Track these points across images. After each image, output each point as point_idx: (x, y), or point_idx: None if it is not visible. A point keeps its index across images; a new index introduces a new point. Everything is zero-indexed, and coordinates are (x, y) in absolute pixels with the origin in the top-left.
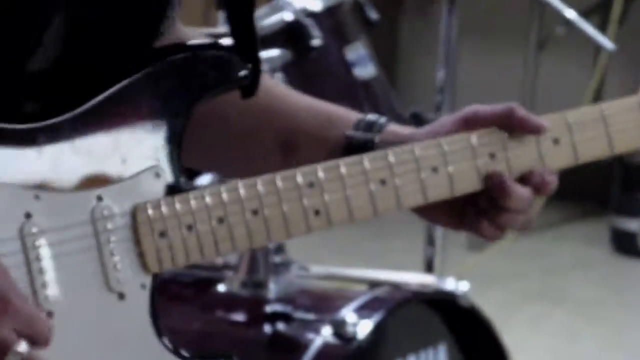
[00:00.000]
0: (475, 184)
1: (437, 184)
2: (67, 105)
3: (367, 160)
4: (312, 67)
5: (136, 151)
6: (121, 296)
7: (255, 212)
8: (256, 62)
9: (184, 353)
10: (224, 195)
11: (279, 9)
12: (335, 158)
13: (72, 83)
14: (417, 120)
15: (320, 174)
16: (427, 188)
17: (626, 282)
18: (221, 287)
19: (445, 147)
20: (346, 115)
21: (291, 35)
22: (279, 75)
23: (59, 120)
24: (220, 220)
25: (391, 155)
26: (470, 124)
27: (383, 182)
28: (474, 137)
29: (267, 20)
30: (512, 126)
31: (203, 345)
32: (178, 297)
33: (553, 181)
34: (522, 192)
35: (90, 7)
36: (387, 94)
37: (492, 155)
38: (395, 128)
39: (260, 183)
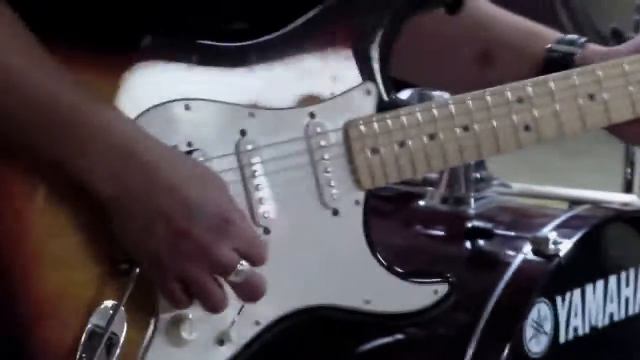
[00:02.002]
0: None
1: None
2: (275, 24)
3: (575, 75)
4: None
5: (346, 68)
6: (335, 212)
7: (465, 128)
8: None
9: (398, 269)
10: (435, 112)
11: None
12: (534, 72)
13: (279, 1)
14: (618, 36)
15: (529, 90)
16: (637, 102)
17: None
18: (421, 202)
19: None
20: (547, 32)
21: None
22: None
23: (269, 38)
24: (432, 137)
25: (599, 69)
26: None
27: (592, 96)
28: None
29: None
30: None
31: (404, 260)
32: (378, 212)
33: None
34: None
35: None
36: (586, 9)
37: None
38: (594, 46)
39: (470, 99)
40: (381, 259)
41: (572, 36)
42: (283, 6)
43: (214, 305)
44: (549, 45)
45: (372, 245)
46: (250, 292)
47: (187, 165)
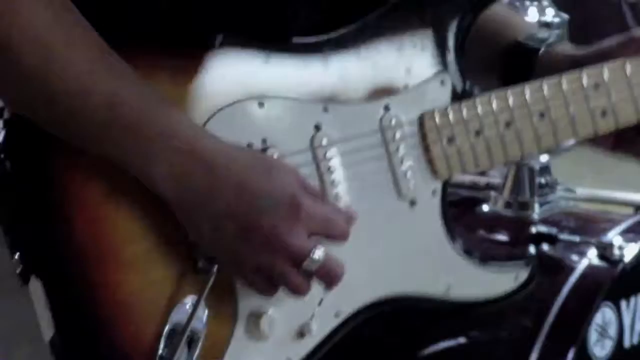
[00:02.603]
0: None
1: None
2: (348, 17)
3: None
4: None
5: (420, 60)
6: (413, 203)
7: (542, 115)
8: None
9: (476, 254)
10: (510, 100)
11: None
12: (499, 62)
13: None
14: None
15: (606, 75)
16: None
17: None
18: (485, 207)
19: None
20: (522, 25)
21: None
22: None
23: (343, 32)
24: (508, 125)
25: None
26: (627, 48)
27: None
28: None
29: None
30: None
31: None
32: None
33: None
34: None
35: None
36: None
37: None
38: (563, 46)
39: (546, 85)
40: (460, 247)
41: (544, 34)
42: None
43: (295, 291)
44: (519, 39)
45: (451, 234)
46: (328, 277)
47: (249, 158)
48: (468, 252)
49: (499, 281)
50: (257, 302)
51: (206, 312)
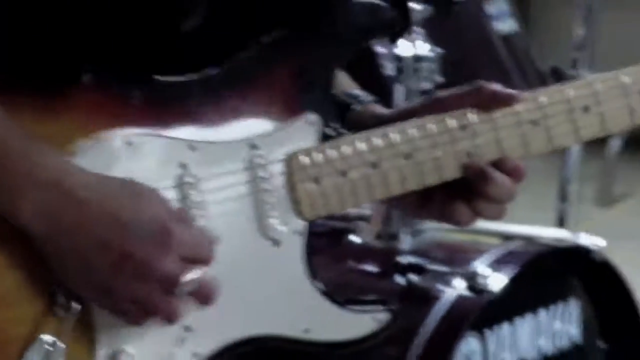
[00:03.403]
0: (628, 122)
1: (589, 124)
2: (215, 60)
3: (625, 75)
4: (453, 22)
5: (288, 100)
6: (276, 242)
7: (408, 156)
8: (405, 10)
9: (337, 298)
10: (377, 141)
11: None
12: None
13: (219, 41)
14: (557, 75)
15: (472, 116)
16: (580, 129)
17: None
18: (355, 238)
19: (598, 86)
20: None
21: None
22: (420, 30)
23: (211, 72)
24: (374, 166)
25: (543, 96)
26: (437, 106)
27: (535, 123)
28: (625, 77)
29: None
30: (484, 102)
31: (338, 294)
32: (311, 248)
33: (522, 168)
34: (503, 179)
35: None
36: (527, 49)
37: None
38: (374, 106)
39: (412, 127)
40: (321, 288)
41: (358, 92)
42: (225, 41)
43: (167, 317)
44: (332, 92)
45: (312, 274)
46: (202, 297)
47: (118, 188)
48: (329, 294)
49: (359, 323)
50: (116, 340)
51: (66, 351)
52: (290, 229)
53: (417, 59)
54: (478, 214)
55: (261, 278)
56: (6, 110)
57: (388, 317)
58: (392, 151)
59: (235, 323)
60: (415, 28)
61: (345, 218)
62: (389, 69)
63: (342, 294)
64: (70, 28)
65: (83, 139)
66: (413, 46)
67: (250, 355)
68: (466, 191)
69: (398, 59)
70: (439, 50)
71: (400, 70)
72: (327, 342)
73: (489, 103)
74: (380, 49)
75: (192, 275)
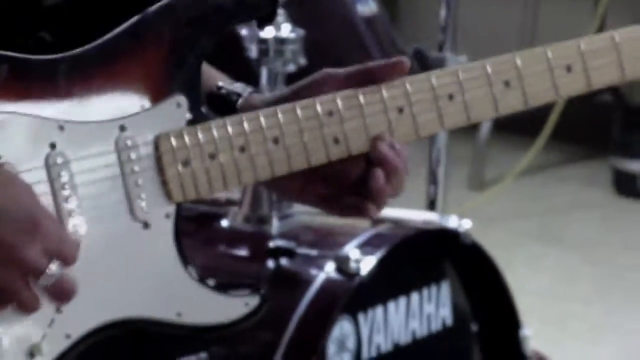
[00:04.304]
0: (491, 112)
1: (453, 111)
2: (83, 38)
3: (384, 89)
4: (314, 5)
5: (157, 82)
6: (146, 225)
7: (276, 141)
8: None
9: (209, 282)
10: (245, 125)
11: None
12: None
13: (86, 16)
14: (420, 56)
15: (339, 103)
16: (444, 116)
17: (627, 223)
18: (224, 222)
19: (462, 75)
20: (220, 77)
21: None
22: (282, 12)
23: (80, 51)
24: (242, 150)
25: (408, 83)
26: (322, 85)
27: (401, 110)
28: (488, 66)
29: None
30: (375, 77)
31: (209, 279)
32: (181, 232)
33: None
34: (376, 172)
35: None
36: (389, 30)
37: (506, 84)
38: (258, 95)
39: (280, 112)
40: (192, 272)
41: (240, 85)
42: (90, 21)
43: (25, 307)
44: (219, 83)
45: (183, 258)
46: (60, 294)
47: None
48: (200, 278)
49: (230, 307)
50: None
51: None
52: (159, 212)
53: (280, 41)
54: (371, 200)
55: (132, 260)
56: None
57: (259, 301)
58: (260, 135)
59: (107, 305)
60: (278, 10)
61: (215, 202)
62: (253, 51)
63: (213, 278)
64: None
65: None
66: (276, 28)
67: (124, 337)
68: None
69: (261, 41)
70: (301, 32)
71: (263, 53)
72: (200, 326)
73: (382, 75)
74: (243, 31)
75: (53, 270)
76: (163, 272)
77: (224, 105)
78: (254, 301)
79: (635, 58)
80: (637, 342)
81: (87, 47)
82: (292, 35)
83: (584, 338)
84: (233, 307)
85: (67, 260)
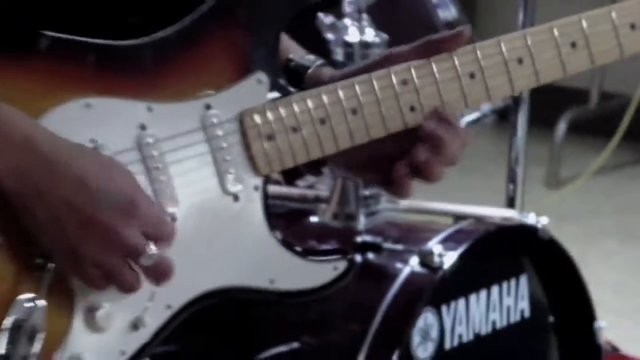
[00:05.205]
0: (559, 73)
1: (523, 75)
2: (168, 20)
3: (455, 56)
4: (397, 9)
5: (238, 60)
6: (236, 198)
7: (354, 112)
8: None
9: (297, 247)
10: (324, 97)
11: None
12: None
13: (168, 2)
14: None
15: (413, 72)
16: (514, 80)
17: None
18: (313, 219)
19: (529, 39)
20: (294, 48)
21: None
22: (365, 17)
23: (166, 33)
24: (322, 122)
25: (479, 50)
26: (389, 61)
27: (472, 75)
28: (555, 29)
29: None
30: (439, 48)
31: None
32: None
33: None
34: (443, 131)
35: None
36: (470, 37)
37: (573, 45)
38: (327, 68)
39: (357, 84)
40: (280, 237)
41: (311, 57)
42: (179, 5)
43: (127, 287)
44: (290, 56)
45: (273, 227)
46: (159, 274)
47: (88, 155)
48: (289, 245)
49: (320, 272)
50: (93, 296)
51: (44, 307)
52: (248, 184)
53: (365, 44)
54: (419, 174)
55: (224, 232)
56: None
57: (347, 265)
58: (339, 107)
59: (204, 276)
60: (362, 14)
61: (304, 199)
62: (339, 54)
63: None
64: None
65: (43, 103)
66: (360, 32)
67: (220, 306)
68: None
69: (347, 44)
70: (385, 36)
71: (349, 56)
72: (292, 291)
73: (443, 47)
74: (329, 35)
75: (152, 250)
76: (254, 242)
77: (294, 78)
78: (342, 265)
79: None
80: None
81: (168, 30)
82: (377, 40)
83: None
84: (323, 271)
85: (164, 240)
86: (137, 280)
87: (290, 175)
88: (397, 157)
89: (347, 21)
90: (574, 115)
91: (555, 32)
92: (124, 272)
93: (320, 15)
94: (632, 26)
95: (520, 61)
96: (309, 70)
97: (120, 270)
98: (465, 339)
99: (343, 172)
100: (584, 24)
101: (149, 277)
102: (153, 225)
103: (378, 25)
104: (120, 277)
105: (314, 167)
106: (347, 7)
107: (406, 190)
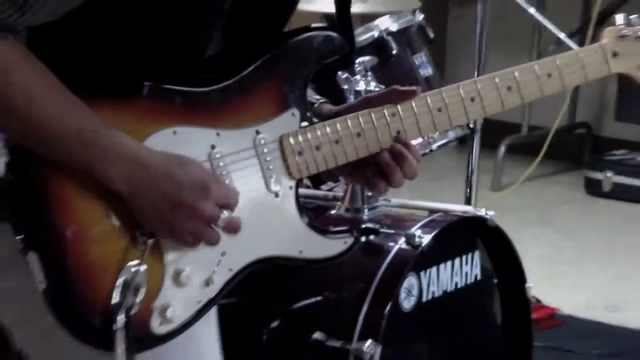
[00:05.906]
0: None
1: (473, 110)
2: (230, 74)
3: (428, 97)
4: (391, 69)
5: (279, 100)
6: (276, 195)
7: (359, 135)
8: (352, 41)
9: (319, 227)
10: (338, 125)
11: (370, 29)
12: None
13: (233, 60)
14: None
15: (399, 108)
16: (469, 113)
17: (593, 215)
18: (332, 212)
19: (479, 84)
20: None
21: (377, 46)
22: (370, 74)
23: (227, 83)
24: (337, 142)
25: (444, 92)
26: (369, 102)
27: (439, 109)
28: (496, 78)
29: (362, 36)
30: (397, 98)
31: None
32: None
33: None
34: (409, 156)
35: (243, 14)
36: (440, 87)
37: (509, 88)
38: (326, 105)
39: (360, 115)
40: (309, 222)
41: (317, 96)
42: (237, 62)
43: (212, 242)
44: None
45: (303, 215)
46: (231, 229)
47: (170, 157)
48: (314, 226)
49: (334, 245)
50: (178, 262)
51: (145, 270)
52: (285, 185)
53: (368, 92)
54: (390, 183)
55: (268, 218)
56: (94, 111)
57: (353, 240)
58: (348, 132)
59: (254, 248)
60: (368, 72)
61: (326, 198)
62: (351, 99)
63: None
64: (135, 56)
65: (145, 131)
66: (366, 84)
67: (264, 271)
68: (385, 168)
69: (357, 92)
70: (382, 86)
71: None
72: (315, 259)
73: (401, 97)
74: (345, 86)
75: (224, 215)
76: (289, 225)
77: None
78: (350, 240)
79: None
80: (609, 283)
81: (230, 81)
82: (377, 89)
83: (565, 286)
84: (336, 244)
85: (232, 207)
86: (217, 237)
87: (316, 182)
88: (372, 165)
89: (357, 77)
90: (511, 140)
91: (497, 80)
92: (208, 233)
93: (339, 72)
94: (549, 75)
95: (472, 99)
96: (315, 105)
97: (205, 233)
98: (437, 295)
99: (339, 176)
100: (516, 74)
101: (226, 232)
102: (223, 197)
103: (378, 80)
104: (207, 237)
105: (332, 175)
106: (357, 67)
107: (379, 188)
